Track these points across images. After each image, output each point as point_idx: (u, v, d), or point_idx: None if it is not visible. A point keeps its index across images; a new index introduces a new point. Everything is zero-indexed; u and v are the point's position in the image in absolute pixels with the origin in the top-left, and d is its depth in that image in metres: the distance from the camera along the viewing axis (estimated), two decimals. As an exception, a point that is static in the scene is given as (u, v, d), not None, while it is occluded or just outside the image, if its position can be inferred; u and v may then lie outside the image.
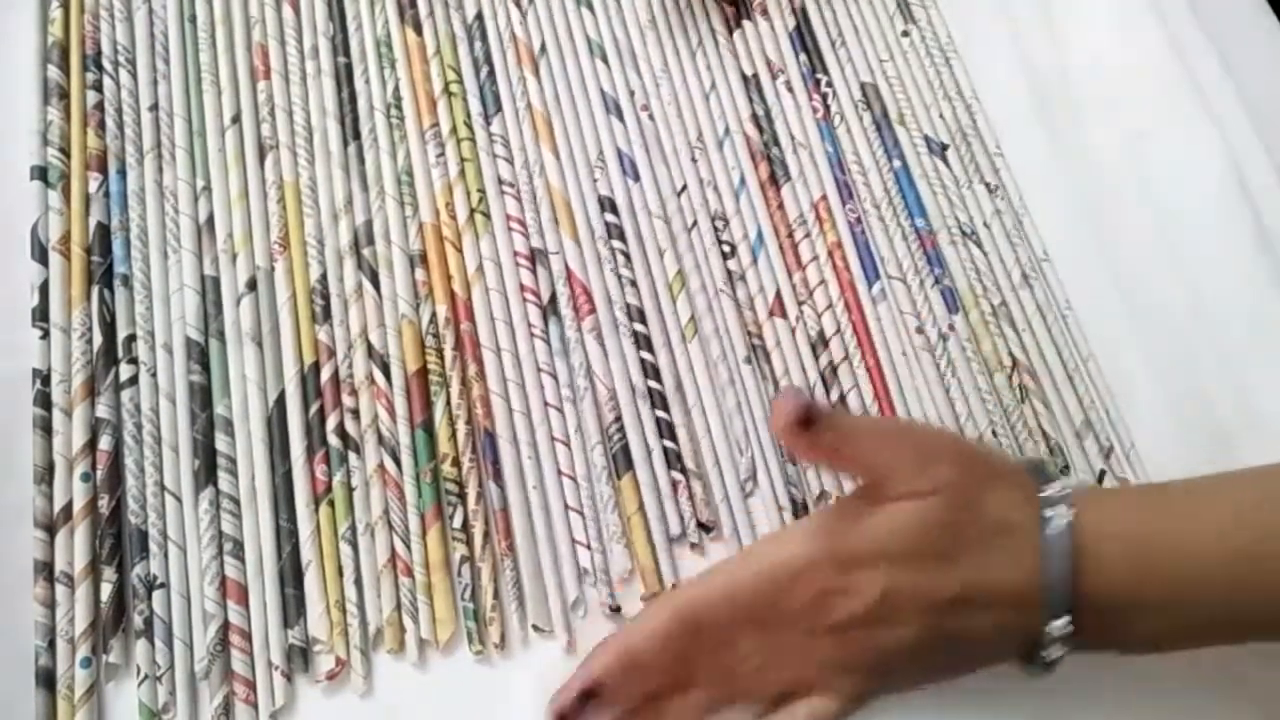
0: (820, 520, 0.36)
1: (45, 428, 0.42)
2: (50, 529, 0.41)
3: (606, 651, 0.35)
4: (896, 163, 0.49)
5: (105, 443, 0.42)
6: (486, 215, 0.47)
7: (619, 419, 0.43)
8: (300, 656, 0.40)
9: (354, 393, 0.44)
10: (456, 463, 0.43)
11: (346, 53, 0.51)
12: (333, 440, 0.43)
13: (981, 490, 0.35)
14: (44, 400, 0.43)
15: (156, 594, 0.40)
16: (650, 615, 0.36)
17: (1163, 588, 0.34)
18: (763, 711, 0.36)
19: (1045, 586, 0.34)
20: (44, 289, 0.45)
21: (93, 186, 0.46)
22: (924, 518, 0.34)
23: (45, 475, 0.42)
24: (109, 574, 0.40)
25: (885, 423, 0.40)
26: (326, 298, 0.45)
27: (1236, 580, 0.34)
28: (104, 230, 0.46)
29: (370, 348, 0.45)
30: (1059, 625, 0.34)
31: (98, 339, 0.44)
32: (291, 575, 0.41)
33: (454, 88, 0.50)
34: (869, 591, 0.34)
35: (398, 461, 0.43)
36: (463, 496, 0.42)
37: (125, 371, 0.43)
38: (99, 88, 0.48)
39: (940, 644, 0.35)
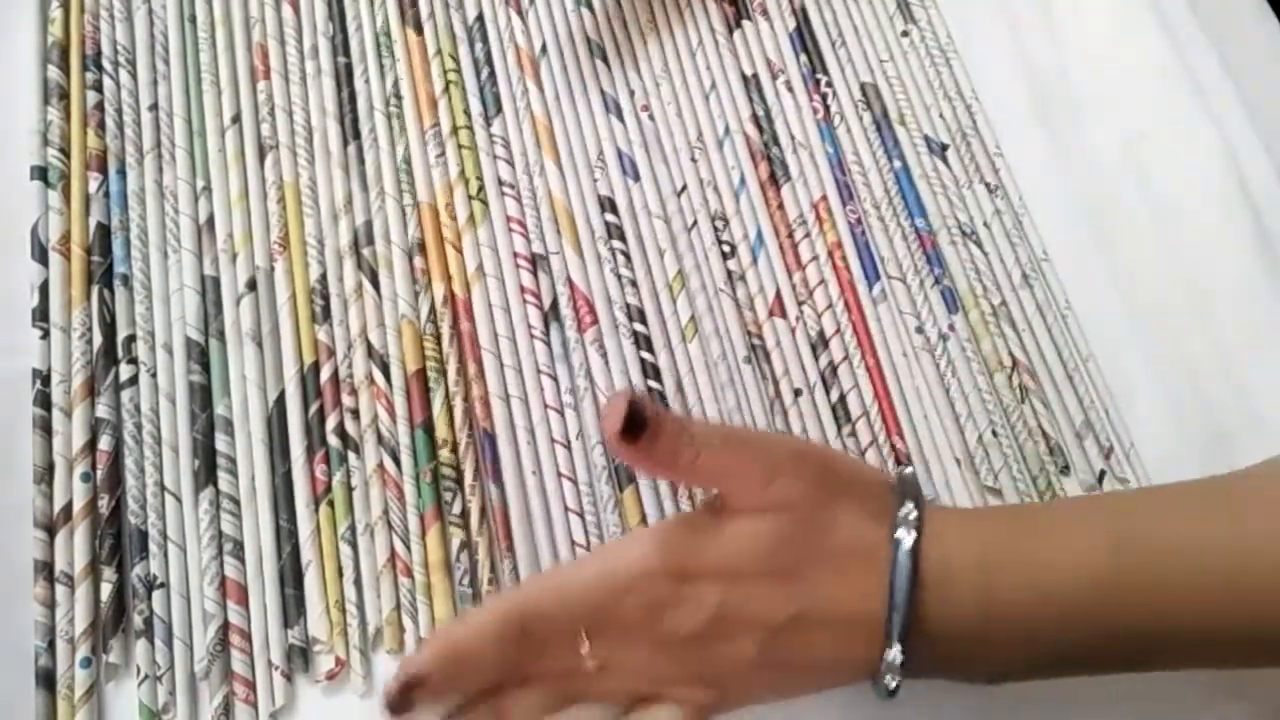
0: (662, 530, 0.34)
1: (45, 428, 0.42)
2: (50, 529, 0.41)
3: (432, 645, 0.33)
4: (896, 163, 0.49)
5: (105, 443, 0.42)
6: (487, 216, 0.47)
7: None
8: (300, 656, 0.40)
9: (354, 392, 0.44)
10: (456, 464, 0.43)
11: (346, 52, 0.51)
12: (332, 440, 0.43)
13: (831, 507, 0.33)
14: (44, 400, 0.43)
15: (156, 594, 0.40)
16: (478, 612, 0.34)
17: (1012, 618, 0.33)
18: (612, 715, 0.34)
19: (886, 613, 0.32)
20: (44, 289, 0.45)
21: (93, 186, 0.46)
22: (767, 534, 0.33)
23: (45, 475, 0.42)
24: (109, 574, 0.40)
25: (730, 432, 0.36)
26: (326, 297, 0.45)
27: (1094, 610, 0.32)
28: (104, 230, 0.46)
29: (370, 347, 0.45)
30: (891, 655, 0.32)
31: (98, 339, 0.44)
32: (291, 575, 0.41)
33: (454, 88, 0.50)
34: (703, 607, 0.33)
35: (397, 461, 0.43)
36: (462, 496, 0.42)
37: (125, 371, 0.44)
38: (99, 88, 0.48)
39: (778, 663, 0.33)
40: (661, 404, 0.44)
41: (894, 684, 0.33)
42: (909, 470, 0.36)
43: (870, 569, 0.32)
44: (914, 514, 0.33)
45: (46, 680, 0.39)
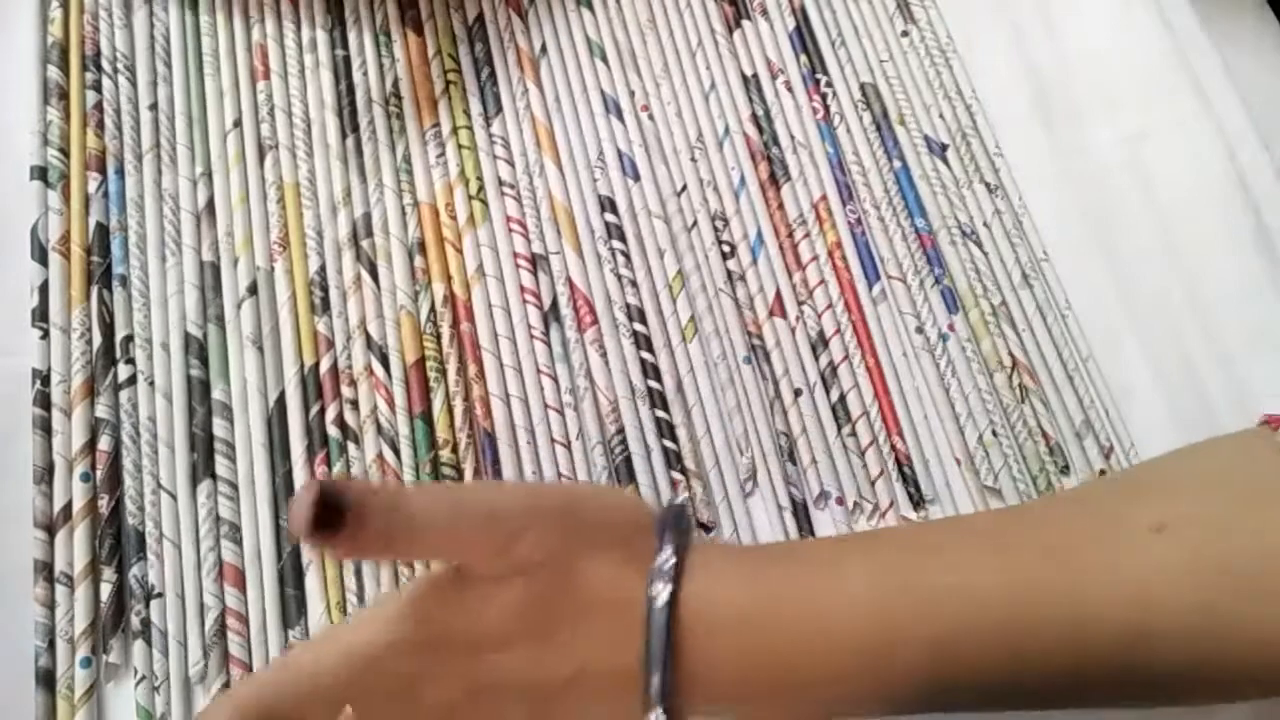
0: (407, 600, 0.31)
1: (45, 428, 0.42)
2: (50, 529, 0.41)
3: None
4: (897, 163, 0.49)
5: (105, 443, 0.42)
6: (487, 216, 0.47)
7: (621, 431, 0.43)
8: (300, 657, 0.40)
9: (353, 384, 0.44)
10: (456, 464, 0.43)
11: (345, 45, 0.51)
12: (332, 431, 0.43)
13: (581, 559, 0.30)
14: (43, 400, 0.43)
15: (154, 599, 0.40)
16: (210, 714, 0.30)
17: (781, 669, 0.30)
18: None
19: (644, 675, 0.29)
20: (43, 289, 0.45)
21: (92, 187, 0.46)
22: (515, 599, 0.30)
23: (45, 475, 0.42)
24: (108, 574, 0.40)
25: (456, 501, 0.31)
26: (325, 290, 0.45)
27: (871, 656, 0.30)
28: (103, 230, 0.46)
29: (369, 339, 0.45)
30: (653, 718, 0.29)
31: (97, 339, 0.44)
32: (292, 575, 0.41)
33: (454, 88, 0.50)
34: (459, 678, 0.30)
35: (397, 452, 0.43)
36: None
37: (124, 372, 0.43)
38: (98, 88, 0.48)
39: None
40: (661, 405, 0.44)
41: None
42: (678, 501, 0.33)
43: (628, 624, 0.29)
44: (671, 562, 0.30)
45: (46, 680, 0.39)
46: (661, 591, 0.29)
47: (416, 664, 0.30)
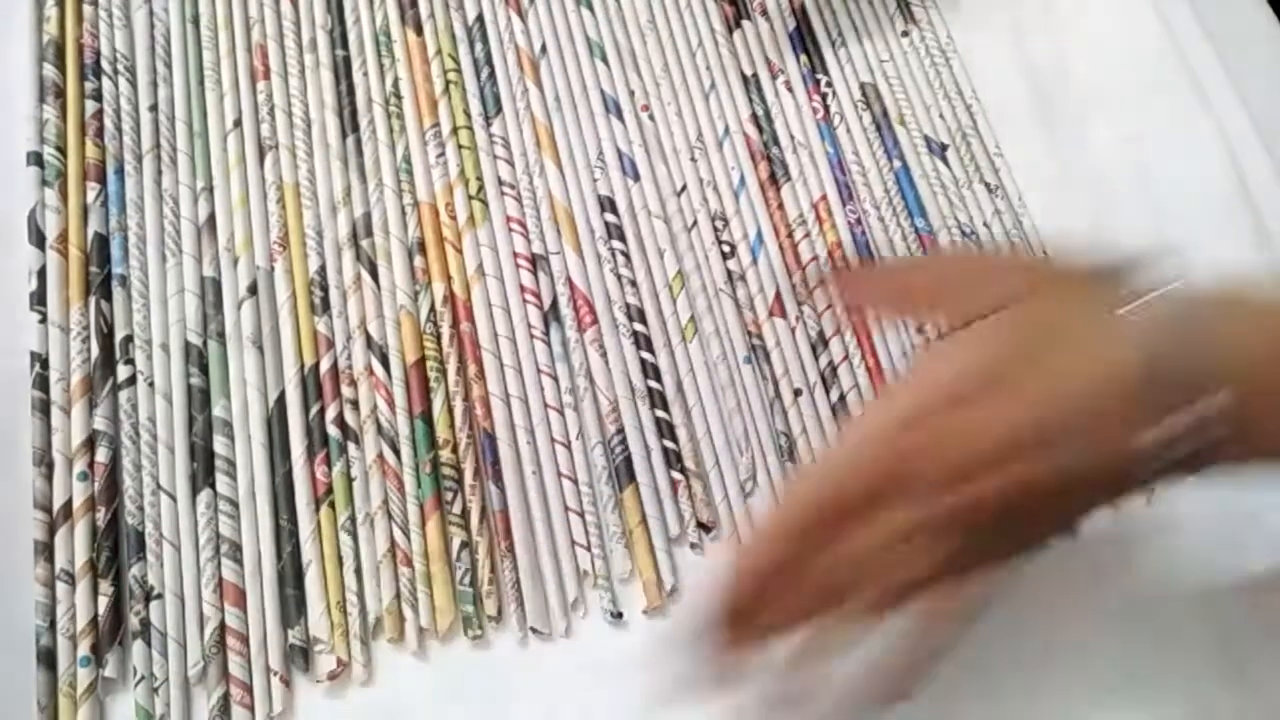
0: (914, 374, 0.35)
1: (44, 410, 0.42)
2: (50, 528, 0.41)
3: (738, 573, 0.33)
4: (897, 163, 0.49)
5: (103, 444, 0.42)
6: (487, 216, 0.47)
7: (621, 430, 0.43)
8: (301, 656, 0.40)
9: (353, 383, 0.44)
10: (456, 464, 0.43)
11: (345, 45, 0.51)
12: (332, 431, 0.43)
13: (1060, 288, 0.34)
14: (42, 384, 0.43)
15: (153, 601, 0.40)
16: (762, 534, 0.34)
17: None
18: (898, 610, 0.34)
19: (1152, 359, 0.31)
20: (41, 274, 0.44)
21: (90, 196, 0.46)
22: (1009, 324, 0.33)
23: (44, 457, 0.42)
24: (107, 580, 0.40)
25: (935, 260, 0.37)
26: (325, 289, 0.45)
27: None
28: (101, 235, 0.46)
29: (369, 339, 0.45)
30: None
31: (95, 340, 0.44)
32: (292, 575, 0.41)
33: (454, 88, 0.50)
34: (994, 427, 0.32)
35: (397, 452, 0.43)
36: (463, 495, 0.42)
37: (123, 373, 0.43)
38: (98, 96, 0.48)
39: (1045, 442, 0.31)
40: (661, 405, 0.44)
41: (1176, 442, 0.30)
42: (1130, 255, 0.34)
43: (1119, 328, 0.31)
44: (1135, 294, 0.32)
45: (47, 679, 0.39)
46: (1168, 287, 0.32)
47: (946, 417, 0.32)
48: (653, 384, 0.44)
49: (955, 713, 0.40)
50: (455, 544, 0.42)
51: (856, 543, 0.32)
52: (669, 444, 0.43)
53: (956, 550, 0.32)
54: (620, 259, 0.47)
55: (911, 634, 0.34)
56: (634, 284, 0.46)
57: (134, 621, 0.40)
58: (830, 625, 0.33)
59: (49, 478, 0.42)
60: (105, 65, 0.49)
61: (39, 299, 0.44)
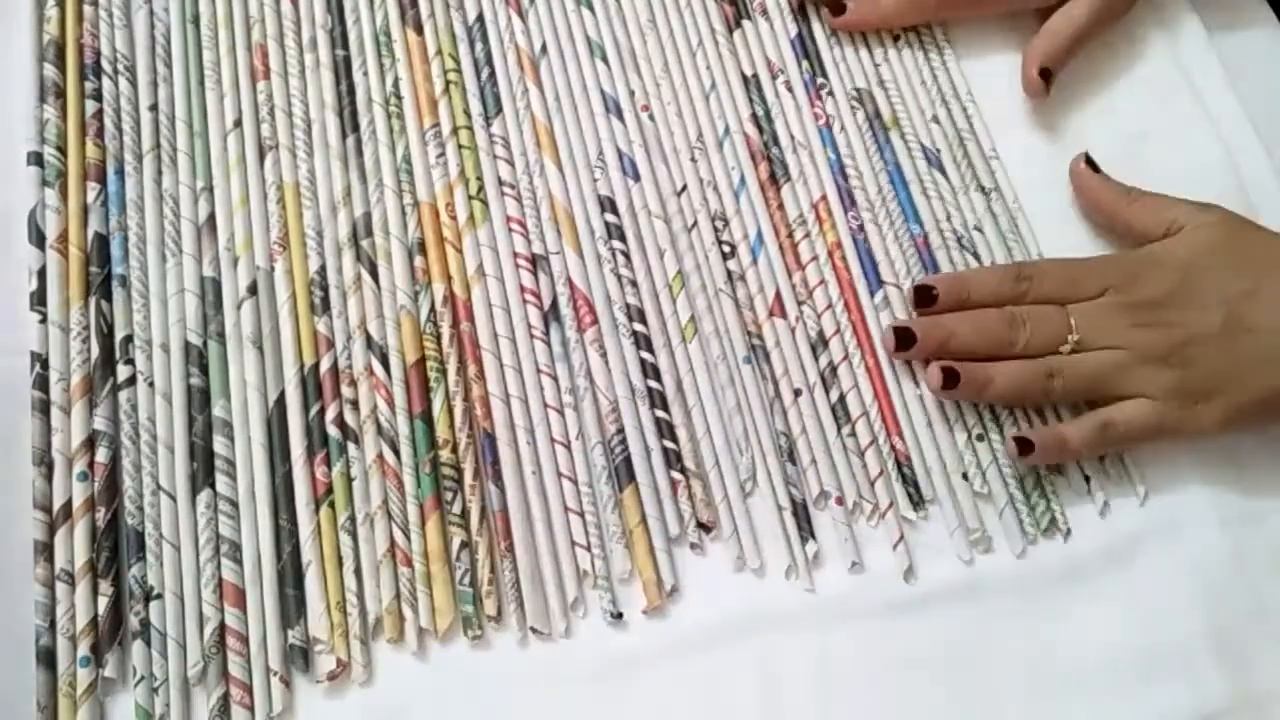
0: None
1: (44, 410, 0.42)
2: (50, 528, 0.41)
3: (940, 275, 0.45)
4: (892, 167, 0.49)
5: (103, 444, 0.42)
6: (487, 216, 0.47)
7: (620, 430, 0.43)
8: (301, 657, 0.40)
9: (353, 384, 0.44)
10: (456, 464, 0.43)
11: (345, 45, 0.51)
12: (332, 431, 0.43)
13: (1258, 226, 0.43)
14: (42, 383, 0.43)
15: (153, 601, 0.40)
16: (990, 266, 0.46)
17: None
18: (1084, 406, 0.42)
19: None
20: (41, 274, 0.44)
21: (90, 196, 0.46)
22: (1216, 237, 0.42)
23: (44, 457, 0.42)
24: (104, 587, 0.40)
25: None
26: (325, 289, 0.45)
27: None
28: (101, 235, 0.46)
29: (369, 339, 0.45)
30: None
31: (95, 340, 0.44)
32: (292, 575, 0.41)
33: (454, 88, 0.50)
34: (1173, 272, 0.42)
35: (397, 452, 0.43)
36: (462, 496, 0.42)
37: (123, 373, 0.43)
38: (98, 96, 0.48)
39: (1240, 333, 0.40)
40: (661, 405, 0.44)
41: None
42: None
43: None
44: None
45: (47, 679, 0.39)
46: None
47: (1138, 264, 0.43)
48: (652, 384, 0.44)
49: (952, 696, 0.40)
50: (455, 544, 0.42)
51: (1046, 310, 0.42)
52: (669, 444, 0.43)
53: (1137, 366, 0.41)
54: (620, 259, 0.47)
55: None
56: (634, 284, 0.46)
57: (134, 622, 0.40)
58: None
59: (49, 478, 0.42)
60: (105, 65, 0.49)
61: (39, 299, 0.44)
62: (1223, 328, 0.41)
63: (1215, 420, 0.41)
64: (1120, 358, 0.41)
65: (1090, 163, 0.46)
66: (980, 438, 0.44)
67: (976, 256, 0.47)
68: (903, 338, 0.43)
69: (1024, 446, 0.42)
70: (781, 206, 0.48)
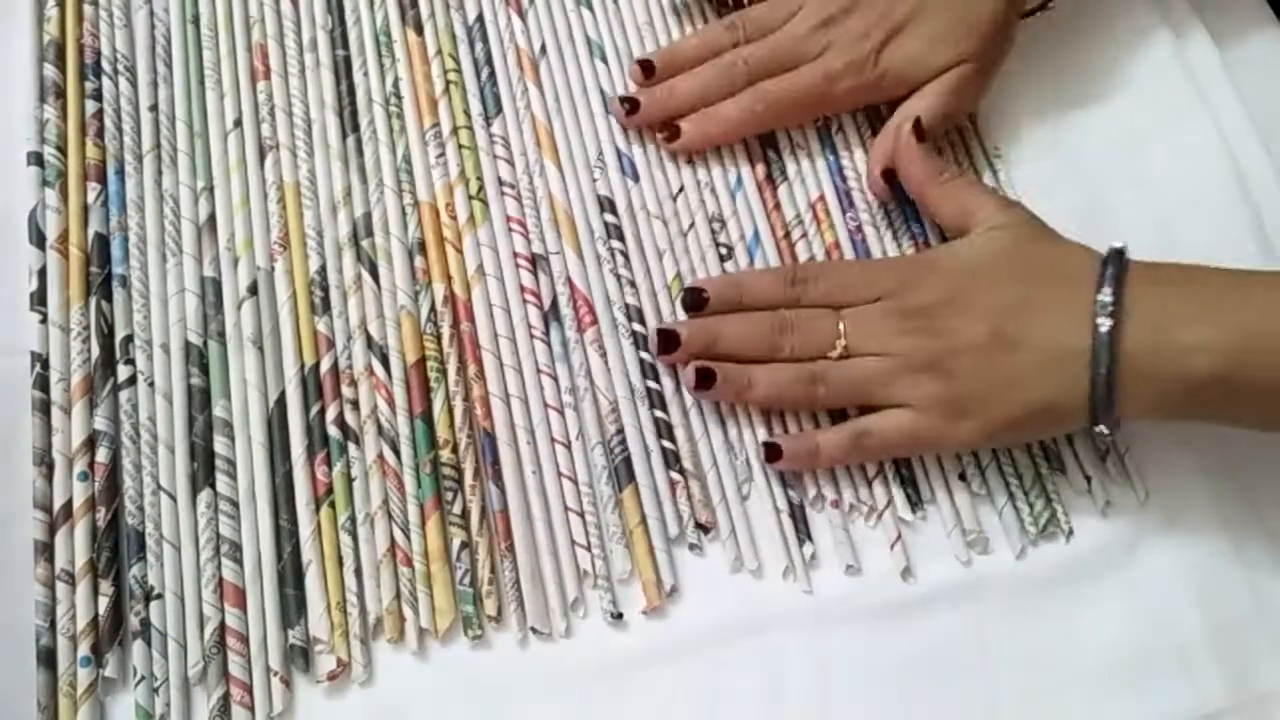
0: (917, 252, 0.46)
1: (44, 410, 0.42)
2: (50, 528, 0.41)
3: (705, 280, 0.44)
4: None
5: (103, 444, 0.42)
6: (487, 216, 0.47)
7: (620, 430, 0.43)
8: (301, 656, 0.40)
9: (353, 384, 0.44)
10: (456, 464, 0.43)
11: (345, 45, 0.51)
12: (332, 431, 0.43)
13: (1046, 239, 0.42)
14: (43, 383, 0.43)
15: (153, 601, 0.40)
16: (768, 268, 0.46)
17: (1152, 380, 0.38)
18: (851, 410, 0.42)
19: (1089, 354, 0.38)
20: (42, 274, 0.44)
21: (91, 196, 0.46)
22: (999, 244, 0.41)
23: (44, 457, 0.42)
24: (105, 587, 0.40)
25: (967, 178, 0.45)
26: (326, 289, 0.45)
27: (1218, 395, 0.38)
28: (102, 235, 0.46)
29: (369, 339, 0.45)
30: (1104, 299, 0.38)
31: (96, 340, 0.44)
32: (292, 575, 0.41)
33: (454, 88, 0.50)
34: (945, 281, 0.41)
35: (397, 452, 0.43)
36: (463, 496, 0.42)
37: (123, 373, 0.44)
38: (98, 96, 0.48)
39: (1002, 346, 0.39)
40: (660, 405, 0.44)
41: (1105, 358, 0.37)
42: (1118, 247, 0.40)
43: (1079, 305, 0.38)
44: (1111, 301, 0.38)
45: (47, 679, 0.39)
46: (1104, 324, 0.38)
47: (913, 272, 0.43)
48: (651, 384, 0.44)
49: (951, 696, 0.40)
50: (455, 544, 0.42)
51: (815, 314, 0.42)
52: (667, 444, 0.43)
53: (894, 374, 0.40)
54: (620, 259, 0.47)
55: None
56: (633, 284, 0.46)
57: (134, 621, 0.40)
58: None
59: (49, 478, 0.42)
60: (105, 65, 0.49)
61: (39, 299, 0.44)
62: (987, 341, 0.39)
63: (973, 435, 0.40)
64: (886, 365, 0.41)
65: (918, 130, 0.44)
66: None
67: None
68: (666, 340, 0.43)
69: (772, 452, 0.42)
70: (778, 207, 0.48)
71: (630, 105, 0.47)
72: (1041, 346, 0.39)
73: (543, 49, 0.51)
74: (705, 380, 0.42)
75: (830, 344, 0.41)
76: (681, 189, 0.48)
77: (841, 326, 0.41)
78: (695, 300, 0.43)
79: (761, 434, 0.44)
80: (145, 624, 0.40)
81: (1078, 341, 0.38)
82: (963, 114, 0.48)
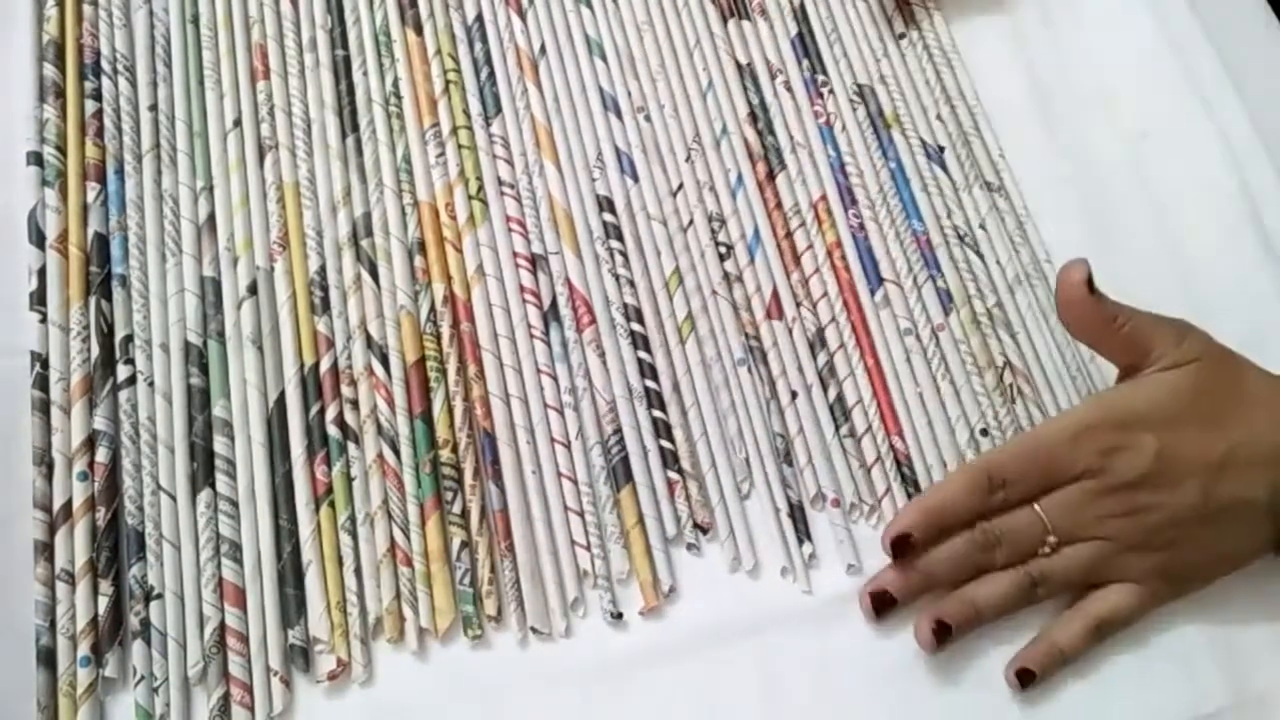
0: (1097, 394, 0.44)
1: (44, 410, 0.42)
2: (50, 528, 0.41)
3: (911, 508, 0.41)
4: (893, 164, 0.49)
5: (103, 444, 0.42)
6: (486, 216, 0.47)
7: (618, 430, 0.43)
8: (301, 656, 0.40)
9: (353, 383, 0.44)
10: (456, 464, 0.43)
11: (345, 45, 0.51)
12: (332, 431, 0.43)
13: (1234, 361, 0.40)
14: (42, 383, 0.43)
15: (153, 601, 0.40)
16: (951, 476, 0.42)
17: None
18: (1066, 599, 0.41)
19: None
20: (41, 274, 0.44)
21: (90, 195, 0.46)
22: (1188, 383, 0.39)
23: (44, 456, 0.42)
24: (105, 587, 0.40)
25: (1138, 312, 0.42)
26: (325, 289, 0.45)
27: None
28: (101, 235, 0.46)
29: (369, 339, 0.45)
30: None
31: (95, 340, 0.44)
32: (292, 575, 0.41)
33: (454, 88, 0.50)
34: (1146, 450, 0.39)
35: (397, 452, 0.43)
36: (463, 496, 0.42)
37: (123, 372, 0.44)
38: (98, 96, 0.48)
39: (1215, 510, 0.39)
40: (659, 405, 0.44)
41: None
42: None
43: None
44: None
45: (47, 679, 0.39)
46: None
47: (1111, 438, 0.39)
48: (650, 384, 0.44)
49: (952, 696, 0.40)
50: (455, 544, 0.42)
51: (1019, 517, 0.40)
52: (666, 444, 0.43)
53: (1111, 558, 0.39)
54: (619, 259, 0.47)
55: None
56: (632, 284, 0.46)
57: (134, 621, 0.40)
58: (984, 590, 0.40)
59: (49, 478, 0.42)
60: (105, 65, 0.49)
61: (39, 299, 0.44)
62: (1199, 505, 0.39)
63: (1203, 585, 0.41)
64: (1102, 550, 0.40)
65: (1089, 282, 0.40)
66: (984, 432, 0.44)
67: (979, 253, 0.47)
68: (881, 602, 0.40)
69: (1026, 677, 0.40)
70: (780, 205, 0.48)
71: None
72: (1245, 507, 0.39)
73: (542, 49, 0.51)
74: (944, 637, 0.40)
75: (1040, 542, 0.40)
76: (681, 187, 0.48)
77: (1046, 521, 0.40)
78: (903, 548, 0.40)
79: (760, 435, 0.43)
80: (145, 624, 0.40)
81: (1264, 496, 0.39)
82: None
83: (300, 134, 0.48)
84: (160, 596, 0.40)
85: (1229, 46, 0.50)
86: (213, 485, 0.42)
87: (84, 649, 0.39)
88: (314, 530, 0.42)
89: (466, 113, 0.49)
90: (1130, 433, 0.39)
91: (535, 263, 0.47)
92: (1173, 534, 0.39)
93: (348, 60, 0.50)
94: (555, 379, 0.44)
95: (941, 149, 0.49)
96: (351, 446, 0.43)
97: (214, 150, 0.48)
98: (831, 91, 0.50)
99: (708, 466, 0.43)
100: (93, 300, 0.45)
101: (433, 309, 0.45)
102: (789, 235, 0.47)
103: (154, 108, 0.48)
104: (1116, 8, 0.52)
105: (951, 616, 0.40)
